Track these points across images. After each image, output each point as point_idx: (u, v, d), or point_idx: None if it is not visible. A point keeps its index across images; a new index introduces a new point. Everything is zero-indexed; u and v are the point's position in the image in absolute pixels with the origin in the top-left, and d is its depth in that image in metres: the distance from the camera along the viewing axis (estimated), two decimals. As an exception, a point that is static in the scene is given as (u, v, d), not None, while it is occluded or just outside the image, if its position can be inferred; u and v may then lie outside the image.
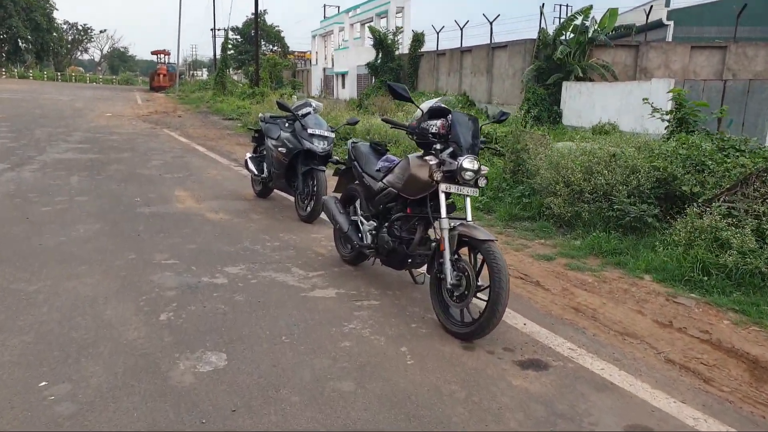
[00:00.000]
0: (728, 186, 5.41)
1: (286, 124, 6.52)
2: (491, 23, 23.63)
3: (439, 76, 27.29)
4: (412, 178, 3.71)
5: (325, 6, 49.37)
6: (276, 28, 62.79)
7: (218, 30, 49.74)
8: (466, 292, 3.40)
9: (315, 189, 6.04)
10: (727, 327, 3.78)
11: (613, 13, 20.34)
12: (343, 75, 38.91)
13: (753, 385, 3.08)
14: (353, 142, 4.73)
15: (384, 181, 4.08)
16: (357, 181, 4.61)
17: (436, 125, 3.65)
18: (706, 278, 4.53)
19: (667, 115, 7.45)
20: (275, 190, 7.13)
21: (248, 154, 7.33)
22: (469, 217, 3.58)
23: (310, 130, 6.02)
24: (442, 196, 3.58)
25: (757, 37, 23.73)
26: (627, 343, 3.56)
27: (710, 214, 5.00)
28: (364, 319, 3.70)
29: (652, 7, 24.24)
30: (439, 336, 3.50)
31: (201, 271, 4.48)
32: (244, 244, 5.28)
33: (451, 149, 3.54)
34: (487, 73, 23.67)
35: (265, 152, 6.91)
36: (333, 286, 4.28)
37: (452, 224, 3.52)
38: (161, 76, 46.85)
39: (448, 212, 3.57)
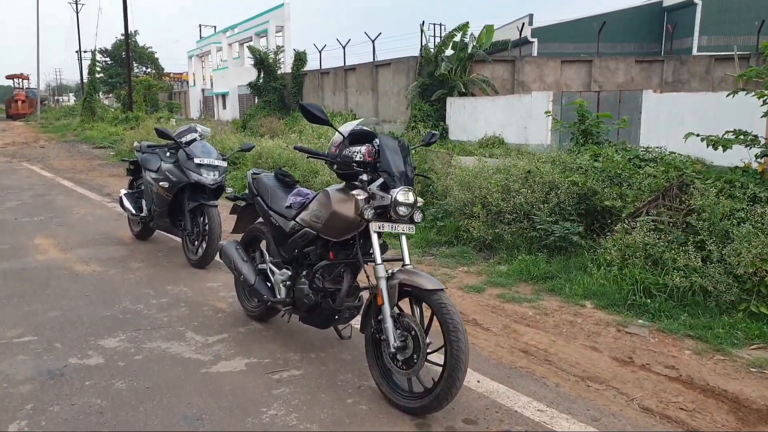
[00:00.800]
0: (650, 198, 5.30)
1: (168, 154, 5.56)
2: (373, 41, 23.61)
3: (324, 95, 26.81)
4: (335, 217, 3.03)
5: (200, 26, 47.38)
6: (149, 49, 59.10)
7: (84, 52, 45.89)
8: (415, 357, 2.77)
9: (207, 228, 5.14)
10: (691, 358, 3.47)
11: (489, 29, 21.06)
12: (224, 96, 37.27)
13: (742, 430, 2.73)
14: (254, 173, 3.96)
15: (298, 219, 3.36)
16: (261, 220, 3.84)
17: (360, 152, 3.01)
18: (649, 301, 4.27)
19: (570, 127, 7.40)
20: (158, 231, 6.07)
21: (123, 191, 6.23)
22: (407, 260, 2.97)
23: (197, 160, 5.12)
24: (375, 237, 2.94)
25: (615, 53, 25.82)
26: (594, 391, 3.11)
27: (638, 229, 4.80)
28: (286, 398, 2.94)
29: (524, 24, 25.50)
30: (385, 413, 2.82)
31: (67, 350, 3.46)
32: (123, 304, 4.27)
33: (381, 180, 2.91)
34: (372, 90, 23.55)
35: (143, 187, 5.86)
36: (241, 353, 3.46)
37: (389, 271, 2.89)
38: (19, 102, 42.38)
39: (381, 253, 2.93)
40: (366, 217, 2.87)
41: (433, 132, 3.33)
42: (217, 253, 4.01)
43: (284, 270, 3.51)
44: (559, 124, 7.50)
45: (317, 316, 3.26)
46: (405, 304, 2.93)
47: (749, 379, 3.22)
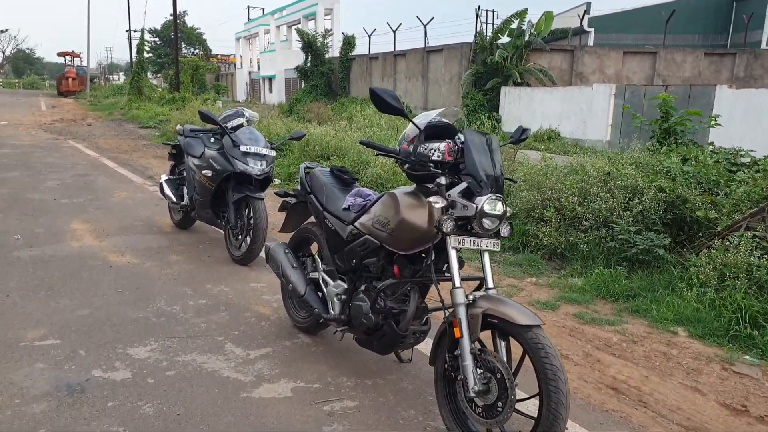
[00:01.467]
0: (752, 211, 4.60)
1: (212, 140, 5.15)
2: (425, 26, 22.86)
3: (372, 81, 26.24)
4: (405, 226, 2.53)
5: (249, 8, 47.22)
6: (197, 30, 59.51)
7: (134, 31, 46.52)
8: (499, 404, 2.25)
9: (252, 222, 4.72)
10: None
11: (548, 16, 20.02)
12: (271, 79, 37.14)
13: None
14: (307, 167, 3.48)
15: (357, 224, 2.88)
16: (314, 220, 3.38)
17: (439, 150, 2.49)
18: (756, 333, 3.63)
19: (652, 124, 6.67)
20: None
21: (164, 176, 5.87)
22: (490, 282, 2.45)
23: (243, 147, 4.69)
24: (453, 254, 2.42)
25: (682, 44, 24.33)
26: (712, 452, 2.54)
27: (739, 245, 4.14)
28: (340, 438, 2.48)
29: (585, 11, 24.28)
30: (458, 468, 2.33)
31: (92, 359, 3.08)
32: (157, 304, 3.89)
33: (464, 185, 2.39)
34: (422, 77, 22.86)
35: (185, 173, 5.49)
36: (286, 374, 3.01)
37: (470, 296, 2.37)
38: (70, 79, 43.09)
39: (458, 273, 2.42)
40: (444, 229, 2.36)
41: (525, 128, 2.77)
42: (264, 255, 3.55)
43: (339, 282, 3.03)
44: (639, 120, 6.76)
45: (377, 340, 2.77)
46: (487, 336, 2.41)
47: None
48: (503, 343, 2.36)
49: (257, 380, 2.94)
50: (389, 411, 2.72)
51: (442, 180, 2.45)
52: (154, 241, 5.45)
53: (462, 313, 2.34)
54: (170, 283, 4.31)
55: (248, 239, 4.76)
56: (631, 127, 16.28)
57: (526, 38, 19.44)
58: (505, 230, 2.45)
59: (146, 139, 14.64)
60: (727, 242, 4.27)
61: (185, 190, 5.51)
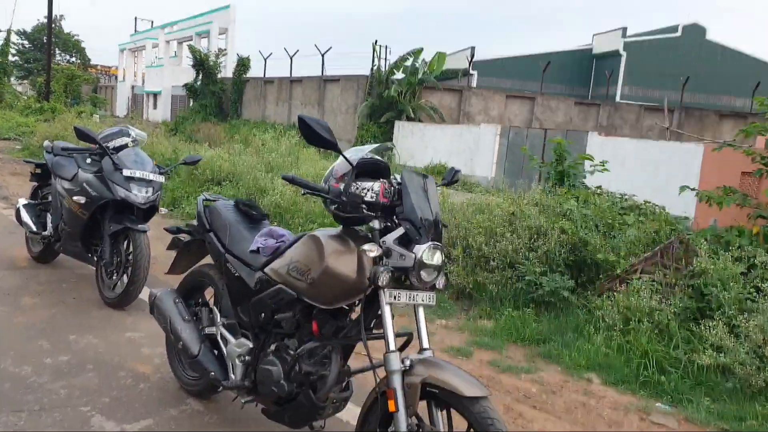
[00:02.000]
0: (646, 255, 4.75)
1: (89, 160, 4.41)
2: (323, 55, 22.77)
3: (266, 105, 25.61)
4: (330, 275, 2.16)
5: (136, 19, 44.59)
6: (75, 37, 54.98)
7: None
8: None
9: (132, 258, 4.07)
10: None
11: (441, 56, 20.81)
12: (156, 95, 35.12)
13: None
14: (207, 199, 3.00)
15: (268, 271, 2.46)
16: (213, 263, 2.89)
17: (372, 190, 2.17)
18: (663, 378, 3.66)
19: (545, 167, 6.86)
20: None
21: (22, 200, 4.98)
22: (426, 342, 2.14)
23: (126, 172, 4.05)
24: (388, 311, 2.09)
25: (554, 92, 26.39)
26: None
27: (641, 289, 4.22)
28: None
29: (473, 55, 25.55)
30: None
31: None
32: (2, 363, 3.14)
33: (400, 231, 2.09)
34: (318, 105, 22.67)
35: (51, 198, 4.68)
36: (172, 453, 2.47)
37: (407, 362, 2.04)
38: None
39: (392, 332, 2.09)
40: (380, 282, 2.03)
41: (456, 169, 2.53)
42: (149, 304, 2.97)
43: (242, 340, 2.56)
44: (535, 162, 6.94)
45: (291, 412, 2.34)
46: (423, 405, 2.08)
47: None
48: (440, 413, 2.05)
49: (134, 463, 2.37)
50: (301, 496, 2.29)
51: (377, 224, 2.14)
52: (5, 279, 4.55)
53: (397, 382, 2.01)
54: (22, 335, 3.53)
55: (125, 278, 4.09)
56: (514, 166, 17.24)
57: (420, 76, 20.02)
58: (441, 282, 2.17)
59: (3, 152, 12.91)
60: (631, 286, 4.34)
61: (49, 218, 4.69)
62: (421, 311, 2.18)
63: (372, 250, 2.06)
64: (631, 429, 3.15)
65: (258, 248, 2.60)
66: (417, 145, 19.12)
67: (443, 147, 18.12)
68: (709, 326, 3.70)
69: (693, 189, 5.39)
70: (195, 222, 2.96)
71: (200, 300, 3.02)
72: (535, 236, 5.02)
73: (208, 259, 2.96)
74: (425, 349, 2.11)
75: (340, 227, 2.30)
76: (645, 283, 4.35)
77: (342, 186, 2.18)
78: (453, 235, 5.36)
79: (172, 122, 25.55)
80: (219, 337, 2.67)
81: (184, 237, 3.03)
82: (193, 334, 2.73)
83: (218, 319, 2.71)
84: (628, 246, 4.97)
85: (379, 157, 2.27)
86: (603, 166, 6.65)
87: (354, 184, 2.16)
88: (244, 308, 2.57)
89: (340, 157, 2.23)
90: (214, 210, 2.88)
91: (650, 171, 13.17)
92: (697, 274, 4.32)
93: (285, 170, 8.28)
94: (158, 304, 2.88)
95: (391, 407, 2.00)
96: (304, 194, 2.32)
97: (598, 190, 6.55)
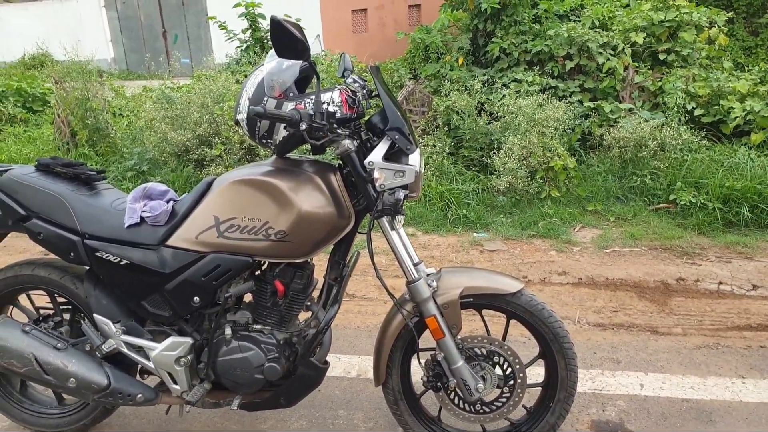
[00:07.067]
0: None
1: None
2: None
3: None
4: (308, 221, 1.66)
5: None
6: None
7: None
8: (506, 390, 1.89)
9: None
10: (567, 258, 3.56)
11: None
12: None
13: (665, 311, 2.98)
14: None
15: (175, 243, 1.74)
16: (37, 261, 1.86)
17: (334, 102, 1.65)
18: (464, 212, 4.18)
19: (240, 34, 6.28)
20: None
21: None
22: (415, 257, 1.88)
23: None
24: (402, 234, 1.78)
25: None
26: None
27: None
28: None
29: None
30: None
31: None
32: None
33: (385, 144, 1.70)
34: None
35: None
36: None
37: (431, 282, 1.80)
38: None
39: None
40: (398, 207, 1.67)
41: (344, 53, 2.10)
42: None
43: (174, 339, 1.79)
44: (229, 33, 6.19)
45: (288, 390, 1.83)
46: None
47: (614, 259, 3.53)
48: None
49: None
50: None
51: (351, 144, 1.68)
52: None
53: (434, 308, 1.77)
54: None
55: None
56: (134, 42, 15.25)
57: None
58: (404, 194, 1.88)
59: None
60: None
61: None
62: (403, 231, 1.89)
63: (378, 169, 1.65)
64: (480, 260, 3.56)
65: (141, 218, 1.76)
66: (-9, 34, 15.02)
67: (35, 32, 14.63)
68: (490, 156, 4.29)
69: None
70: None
71: (41, 316, 1.97)
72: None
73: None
74: (418, 264, 1.88)
75: (273, 158, 1.76)
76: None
77: (292, 105, 1.61)
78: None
79: None
80: (125, 350, 1.81)
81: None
82: (88, 362, 1.80)
83: (112, 329, 1.80)
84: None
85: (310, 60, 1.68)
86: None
87: (305, 98, 1.62)
88: (154, 301, 1.78)
89: (267, 70, 1.63)
90: (19, 184, 1.77)
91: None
92: (442, 112, 4.83)
93: None
94: (1, 344, 1.75)
95: (437, 335, 1.79)
96: (263, 119, 1.60)
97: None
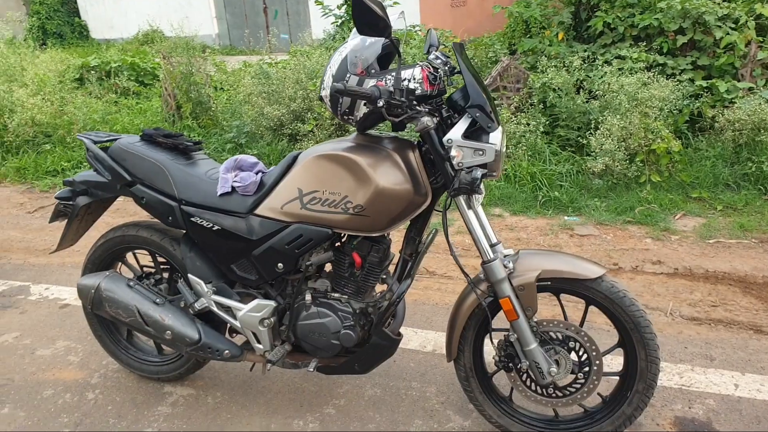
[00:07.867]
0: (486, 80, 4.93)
1: None
2: None
3: None
4: (386, 196, 1.69)
5: None
6: None
7: None
8: (580, 376, 1.84)
9: None
10: (663, 247, 3.36)
11: None
12: None
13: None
14: (96, 142, 2.02)
15: (263, 213, 1.83)
16: (138, 223, 2.04)
17: (415, 78, 1.65)
18: (556, 194, 4.04)
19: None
20: None
21: None
22: (494, 237, 1.86)
23: None
24: (480, 213, 1.77)
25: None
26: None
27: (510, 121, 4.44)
28: None
29: None
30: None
31: None
32: None
33: (465, 122, 1.67)
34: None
35: None
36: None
37: (507, 263, 1.78)
38: None
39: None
40: (476, 186, 1.65)
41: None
42: (83, 301, 2.05)
43: (259, 301, 1.92)
44: (325, 9, 6.33)
45: (363, 357, 1.91)
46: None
47: (718, 251, 3.28)
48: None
49: None
50: None
51: (431, 121, 1.67)
52: None
53: (509, 289, 1.75)
54: None
55: None
56: (237, 18, 15.89)
57: None
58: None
59: None
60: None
61: None
62: (481, 211, 1.87)
63: (455, 144, 1.64)
64: (569, 245, 3.45)
65: (232, 187, 1.88)
66: (113, 11, 16.23)
67: (149, 9, 15.63)
68: (586, 136, 4.10)
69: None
70: (94, 177, 1.99)
71: (144, 273, 2.19)
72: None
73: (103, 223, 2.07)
74: (496, 244, 1.84)
75: (354, 134, 1.80)
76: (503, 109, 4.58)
77: (373, 81, 1.63)
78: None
79: None
80: (215, 309, 1.96)
81: (84, 199, 2.03)
82: (182, 317, 1.97)
83: (204, 288, 1.96)
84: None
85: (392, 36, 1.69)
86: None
87: (386, 76, 1.63)
88: (243, 266, 1.91)
89: (351, 47, 1.66)
90: (126, 152, 1.95)
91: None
92: (538, 89, 4.65)
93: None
94: (109, 295, 1.96)
95: (511, 316, 1.76)
96: (347, 95, 1.65)
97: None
